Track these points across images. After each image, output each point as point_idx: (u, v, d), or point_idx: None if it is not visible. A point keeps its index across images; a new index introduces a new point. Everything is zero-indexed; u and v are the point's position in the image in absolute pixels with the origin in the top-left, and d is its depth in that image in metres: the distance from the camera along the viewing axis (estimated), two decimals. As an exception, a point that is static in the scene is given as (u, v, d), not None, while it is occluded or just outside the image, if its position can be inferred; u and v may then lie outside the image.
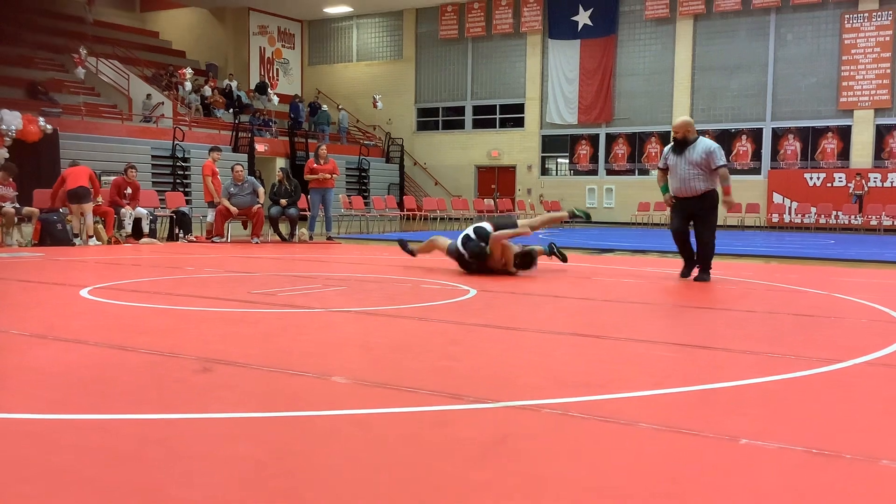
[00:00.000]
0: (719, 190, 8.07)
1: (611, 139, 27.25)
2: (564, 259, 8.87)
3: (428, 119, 30.67)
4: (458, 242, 8.30)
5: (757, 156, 25.10)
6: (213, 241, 13.35)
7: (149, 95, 23.46)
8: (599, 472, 2.39)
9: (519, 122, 28.83)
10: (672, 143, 8.20)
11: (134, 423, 2.84)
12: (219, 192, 13.78)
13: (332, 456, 2.48)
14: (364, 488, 2.21)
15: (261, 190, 13.79)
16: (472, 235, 8.18)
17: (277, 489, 2.19)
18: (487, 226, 8.30)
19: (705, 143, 7.99)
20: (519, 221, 8.58)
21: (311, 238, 14.29)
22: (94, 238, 12.16)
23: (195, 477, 2.28)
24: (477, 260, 8.10)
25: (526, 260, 8.13)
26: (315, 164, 14.18)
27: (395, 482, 2.27)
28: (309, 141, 25.84)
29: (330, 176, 14.21)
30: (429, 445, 2.61)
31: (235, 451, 2.50)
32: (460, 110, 30.04)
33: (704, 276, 8.00)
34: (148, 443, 2.59)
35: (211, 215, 13.89)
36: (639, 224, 24.77)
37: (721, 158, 7.92)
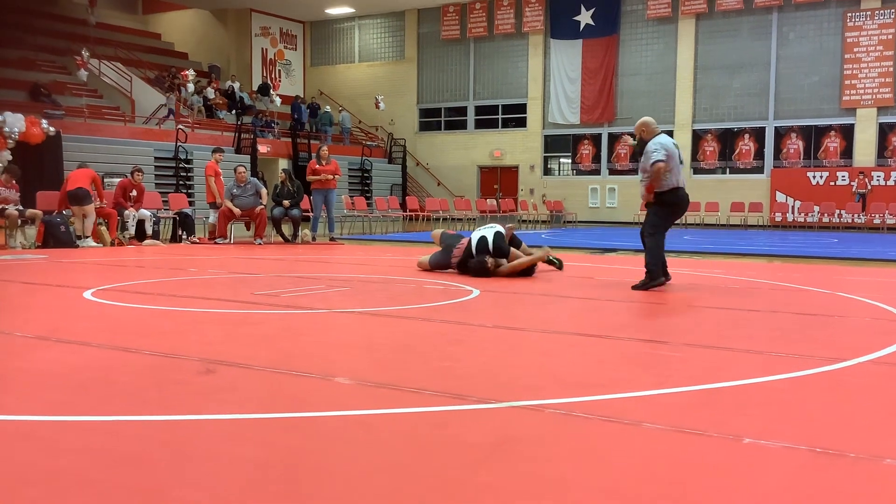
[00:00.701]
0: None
1: (613, 139, 27.22)
2: (560, 266, 8.86)
3: (430, 119, 30.67)
4: (474, 246, 8.23)
5: (760, 155, 25.06)
6: (216, 243, 13.35)
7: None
8: (603, 472, 2.38)
9: (521, 122, 28.82)
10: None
11: (137, 424, 2.84)
12: (221, 194, 13.79)
13: (335, 457, 2.48)
14: (367, 489, 2.21)
15: (263, 191, 13.80)
16: (490, 246, 8.09)
17: (280, 490, 2.19)
18: (500, 228, 8.28)
19: (650, 143, 7.28)
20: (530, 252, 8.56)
21: (314, 239, 14.29)
22: (90, 239, 12.14)
23: (198, 478, 2.29)
24: (476, 274, 8.03)
25: (529, 270, 8.20)
26: (317, 165, 14.19)
27: (397, 483, 2.27)
28: (311, 142, 25.85)
29: (332, 177, 14.22)
30: (431, 446, 2.61)
31: (238, 453, 2.50)
32: (462, 110, 30.04)
33: (638, 283, 7.21)
34: (151, 444, 2.59)
35: (212, 216, 13.90)
36: (641, 224, 24.72)
37: (656, 155, 7.07)
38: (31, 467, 2.35)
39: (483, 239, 8.12)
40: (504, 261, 8.13)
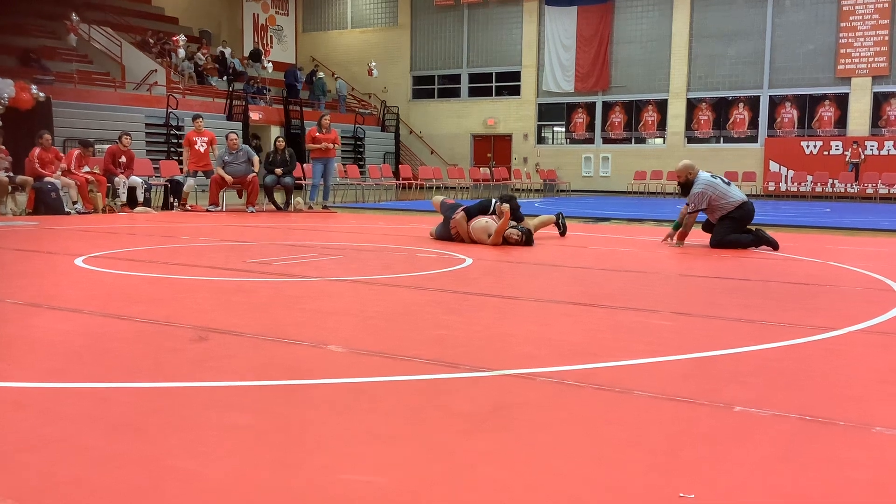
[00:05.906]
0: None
1: (607, 107, 27.10)
2: (564, 232, 9.20)
3: (423, 87, 30.44)
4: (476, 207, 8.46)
5: (754, 124, 25.00)
6: (208, 210, 13.30)
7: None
8: (595, 440, 2.40)
9: (515, 91, 28.63)
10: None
11: (130, 391, 2.84)
12: (194, 161, 13.81)
13: (328, 424, 2.49)
14: (360, 457, 2.22)
15: (255, 158, 13.71)
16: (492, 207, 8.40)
17: (273, 458, 2.20)
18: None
19: (694, 186, 8.19)
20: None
21: (309, 207, 14.23)
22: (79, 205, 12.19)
23: (191, 445, 2.29)
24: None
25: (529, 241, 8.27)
26: (317, 133, 14.09)
27: (391, 451, 2.28)
28: (304, 109, 25.64)
29: (332, 146, 14.12)
30: (425, 414, 2.62)
31: (232, 420, 2.51)
32: (456, 78, 29.81)
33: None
34: (144, 411, 2.60)
35: (188, 184, 13.75)
36: (635, 193, 24.73)
37: (691, 202, 8.14)
38: (25, 434, 2.36)
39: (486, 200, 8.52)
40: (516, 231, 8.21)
